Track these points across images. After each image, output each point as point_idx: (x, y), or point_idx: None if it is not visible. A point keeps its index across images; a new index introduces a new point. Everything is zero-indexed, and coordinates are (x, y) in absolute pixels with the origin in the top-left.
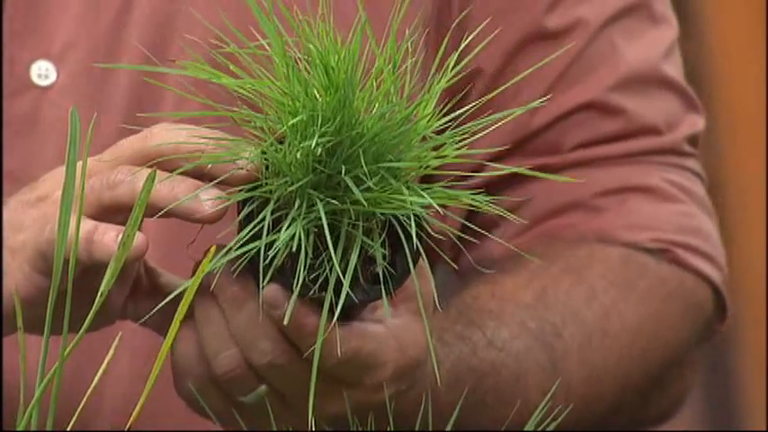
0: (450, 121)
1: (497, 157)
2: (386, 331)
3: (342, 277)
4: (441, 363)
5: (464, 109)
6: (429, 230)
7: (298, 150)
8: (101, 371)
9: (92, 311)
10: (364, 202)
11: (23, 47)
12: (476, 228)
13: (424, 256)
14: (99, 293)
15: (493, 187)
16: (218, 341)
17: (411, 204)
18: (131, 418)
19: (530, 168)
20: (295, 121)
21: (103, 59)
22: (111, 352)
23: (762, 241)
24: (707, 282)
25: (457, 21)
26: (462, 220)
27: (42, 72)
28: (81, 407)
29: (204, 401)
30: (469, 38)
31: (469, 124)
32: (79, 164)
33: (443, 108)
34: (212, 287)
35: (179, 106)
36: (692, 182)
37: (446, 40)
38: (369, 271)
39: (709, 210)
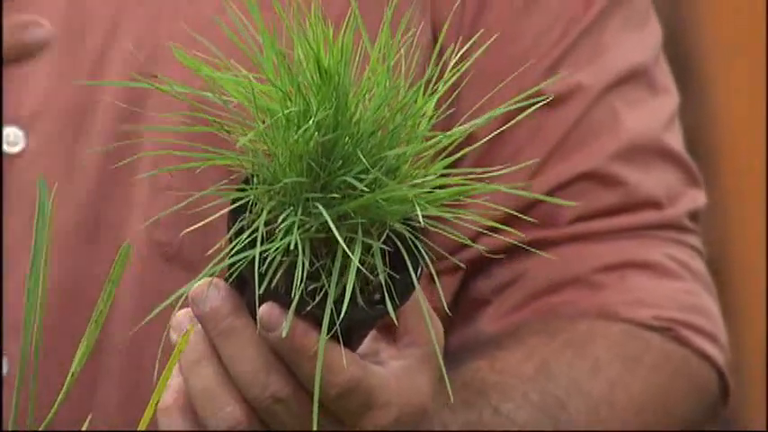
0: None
1: (492, 229)
2: (387, 372)
3: (349, 253)
4: (446, 426)
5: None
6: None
7: (294, 139)
8: None
9: (62, 393)
10: (365, 188)
11: None
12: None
13: (435, 274)
14: (70, 374)
15: (486, 260)
16: (213, 396)
17: (414, 198)
18: None
19: (527, 242)
20: (289, 111)
21: (76, 123)
22: None
23: None
24: (710, 363)
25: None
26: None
27: (11, 139)
28: None
29: None
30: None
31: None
32: None
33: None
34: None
35: (157, 165)
36: (693, 258)
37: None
38: (367, 292)
39: (710, 287)
